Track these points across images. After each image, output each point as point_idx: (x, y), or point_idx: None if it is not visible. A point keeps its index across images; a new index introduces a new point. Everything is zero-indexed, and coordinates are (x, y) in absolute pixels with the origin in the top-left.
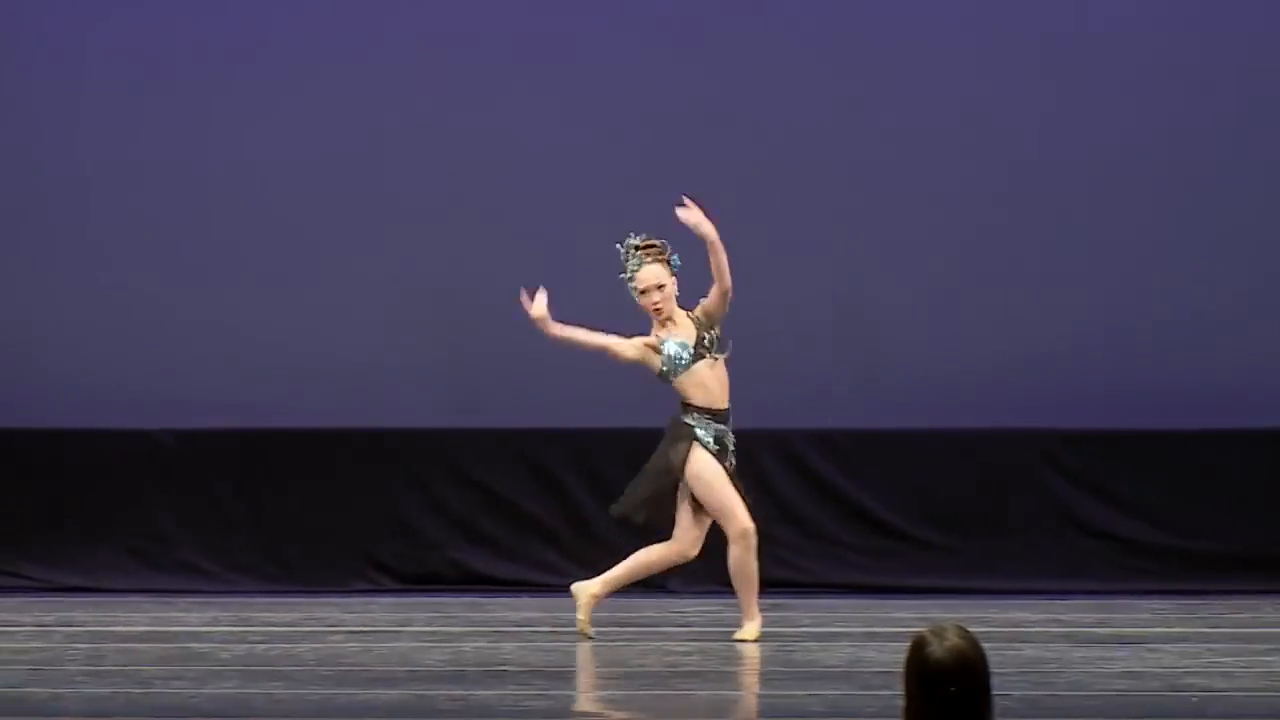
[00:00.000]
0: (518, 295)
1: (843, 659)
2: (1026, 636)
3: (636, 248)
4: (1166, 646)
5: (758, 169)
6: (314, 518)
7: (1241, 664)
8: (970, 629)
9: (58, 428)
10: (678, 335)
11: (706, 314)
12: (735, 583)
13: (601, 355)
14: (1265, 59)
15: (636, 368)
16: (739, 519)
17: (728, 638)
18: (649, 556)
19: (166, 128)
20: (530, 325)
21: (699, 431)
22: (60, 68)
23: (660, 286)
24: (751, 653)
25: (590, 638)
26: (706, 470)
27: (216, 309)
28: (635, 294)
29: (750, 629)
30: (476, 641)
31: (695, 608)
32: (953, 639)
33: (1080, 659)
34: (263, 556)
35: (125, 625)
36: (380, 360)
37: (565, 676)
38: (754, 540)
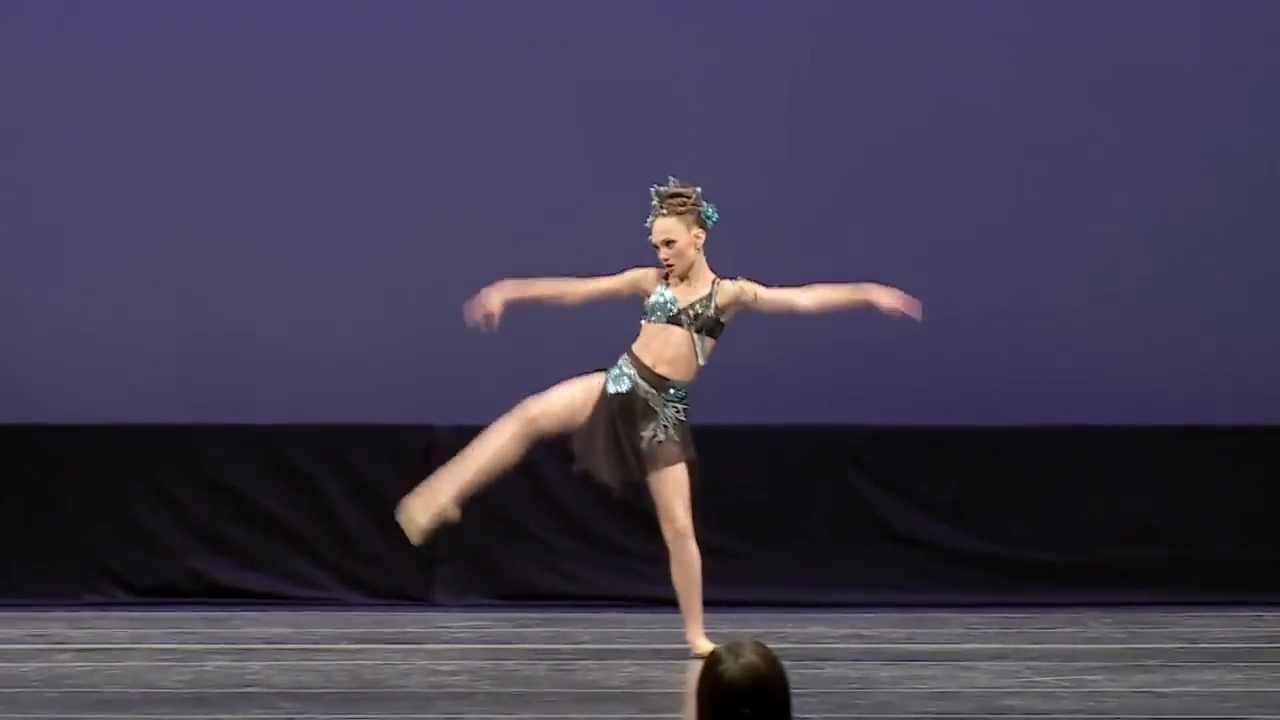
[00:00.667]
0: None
1: (626, 679)
2: (828, 653)
3: (663, 196)
4: (982, 664)
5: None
6: (37, 523)
7: (1064, 684)
8: (767, 645)
9: None
10: (683, 294)
11: (735, 298)
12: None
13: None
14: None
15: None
16: (532, 406)
17: (502, 655)
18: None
19: None
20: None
21: (611, 371)
22: None
23: (669, 242)
24: (523, 673)
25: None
26: (581, 381)
27: None
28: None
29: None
30: (219, 660)
31: (462, 622)
32: (748, 656)
33: (887, 678)
34: None
35: None
36: (110, 348)
37: (317, 699)
38: (525, 427)
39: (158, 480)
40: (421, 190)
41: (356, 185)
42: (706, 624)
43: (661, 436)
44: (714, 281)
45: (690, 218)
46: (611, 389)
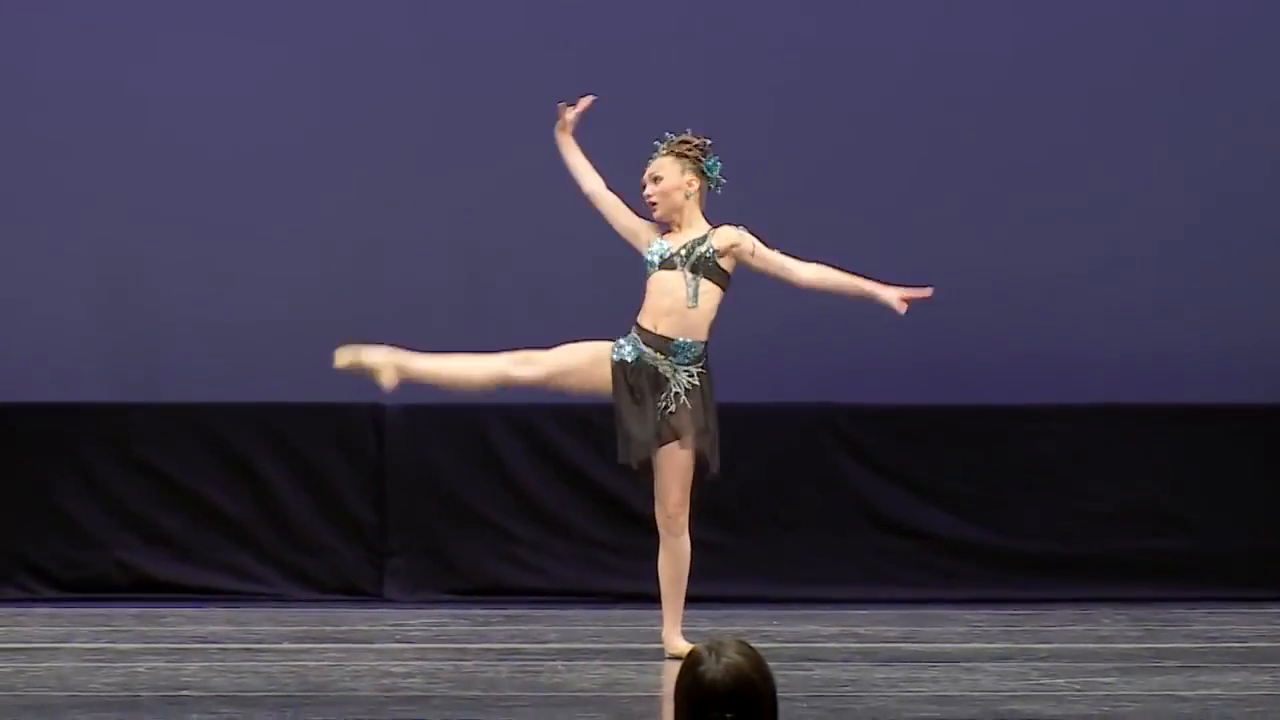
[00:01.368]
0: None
1: (597, 681)
2: (818, 653)
3: (669, 141)
4: (986, 666)
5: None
6: None
7: (1075, 686)
8: (751, 644)
9: None
10: (676, 241)
11: (734, 249)
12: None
13: (589, 200)
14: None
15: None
16: (526, 358)
17: (460, 656)
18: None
19: None
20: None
21: (618, 347)
22: None
23: (656, 179)
24: (486, 675)
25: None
26: (590, 345)
27: None
28: None
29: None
30: (152, 661)
31: (417, 620)
32: (731, 656)
33: (882, 680)
34: None
35: None
36: (29, 320)
37: (258, 703)
38: (509, 374)
39: (83, 464)
40: (367, 154)
41: (295, 148)
42: (684, 622)
43: (673, 406)
44: (712, 227)
45: (687, 161)
46: (616, 357)
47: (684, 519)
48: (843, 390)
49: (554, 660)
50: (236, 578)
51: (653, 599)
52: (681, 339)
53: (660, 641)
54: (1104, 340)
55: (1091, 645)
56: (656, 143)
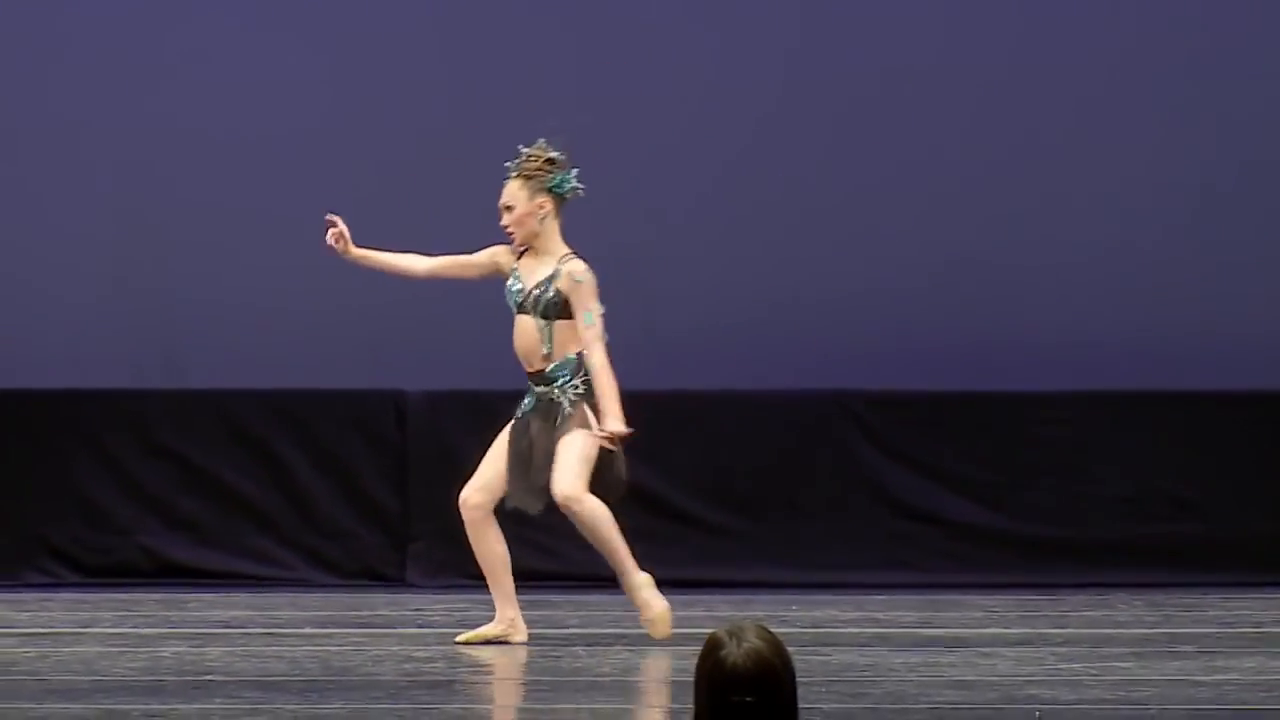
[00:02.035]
0: (218, 229)
1: (616, 666)
2: (836, 638)
3: (518, 159)
4: (1004, 650)
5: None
6: None
7: (1092, 671)
8: (770, 629)
9: None
10: (529, 271)
11: (571, 292)
12: None
13: (434, 278)
14: None
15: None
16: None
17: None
18: None
19: None
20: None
21: (521, 407)
22: None
23: (509, 208)
24: (508, 659)
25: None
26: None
27: None
28: None
29: (487, 628)
30: (175, 646)
31: (439, 604)
32: (752, 640)
33: (900, 665)
34: None
35: None
36: (53, 308)
37: (282, 687)
38: (468, 515)
39: (107, 451)
40: (390, 139)
41: (317, 132)
42: (703, 605)
43: (563, 417)
44: (562, 258)
45: (536, 183)
46: (518, 414)
47: (575, 491)
48: (859, 376)
49: (574, 645)
50: (259, 563)
51: (671, 584)
52: (553, 366)
53: (683, 627)
54: (1118, 327)
55: (1108, 630)
56: (507, 165)
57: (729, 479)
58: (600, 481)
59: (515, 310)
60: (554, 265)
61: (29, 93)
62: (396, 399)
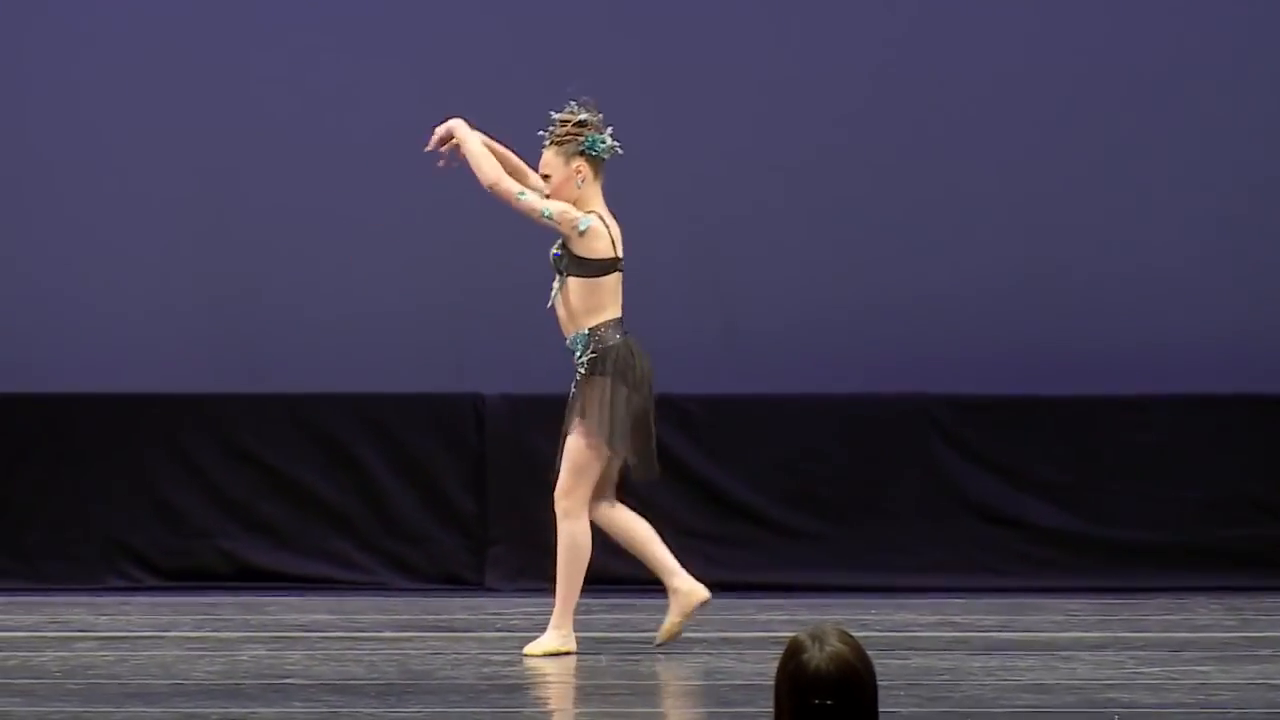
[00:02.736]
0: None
1: (695, 670)
2: (915, 642)
3: (551, 125)
4: (1082, 654)
5: None
6: (56, 502)
7: (1171, 675)
8: (851, 633)
9: None
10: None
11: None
12: None
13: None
14: None
15: None
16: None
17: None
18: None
19: None
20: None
21: None
22: None
23: (546, 177)
24: (586, 664)
25: None
26: None
27: None
28: None
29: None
30: (254, 649)
31: (517, 608)
32: (834, 644)
33: (979, 669)
34: None
35: None
36: (133, 312)
37: (360, 691)
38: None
39: (186, 454)
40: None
41: (399, 135)
42: (783, 610)
43: (573, 396)
44: (604, 216)
45: (570, 148)
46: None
47: (567, 504)
48: (939, 380)
49: (652, 650)
50: (338, 566)
51: (750, 588)
52: (570, 336)
53: (757, 631)
54: (1200, 330)
55: (1187, 634)
56: (541, 133)
57: (809, 483)
58: (642, 457)
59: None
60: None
61: (114, 98)
62: (475, 403)
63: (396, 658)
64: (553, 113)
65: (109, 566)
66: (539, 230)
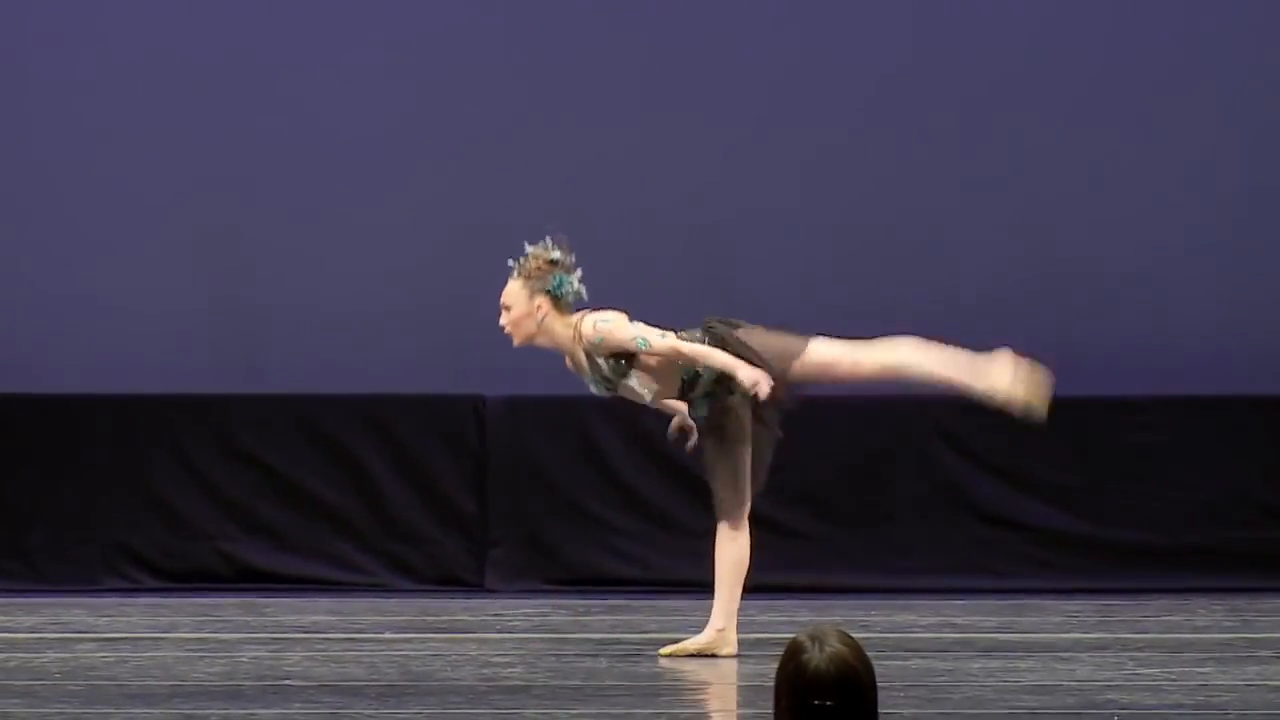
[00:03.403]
0: (298, 234)
1: (696, 672)
2: (915, 644)
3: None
4: (1082, 655)
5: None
6: (55, 502)
7: (1171, 676)
8: (851, 634)
9: None
10: (580, 368)
11: (603, 344)
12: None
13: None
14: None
15: None
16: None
17: (561, 646)
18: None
19: None
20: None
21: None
22: None
23: (506, 307)
24: (587, 664)
25: None
26: None
27: None
28: None
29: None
30: (254, 650)
31: (518, 610)
32: (834, 645)
33: (979, 670)
34: None
35: None
36: (133, 313)
37: (360, 692)
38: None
39: (186, 455)
40: (471, 140)
41: (400, 134)
42: (783, 611)
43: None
44: (573, 337)
45: (536, 284)
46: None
47: (729, 522)
48: None
49: (652, 650)
50: (338, 568)
51: (755, 590)
52: (693, 405)
53: (759, 632)
54: (1204, 331)
55: (1187, 635)
56: (510, 262)
57: (810, 484)
58: (756, 473)
59: (608, 395)
60: (580, 346)
61: (114, 99)
62: (476, 404)
63: (397, 659)
64: (527, 244)
65: (109, 568)
66: (544, 227)
